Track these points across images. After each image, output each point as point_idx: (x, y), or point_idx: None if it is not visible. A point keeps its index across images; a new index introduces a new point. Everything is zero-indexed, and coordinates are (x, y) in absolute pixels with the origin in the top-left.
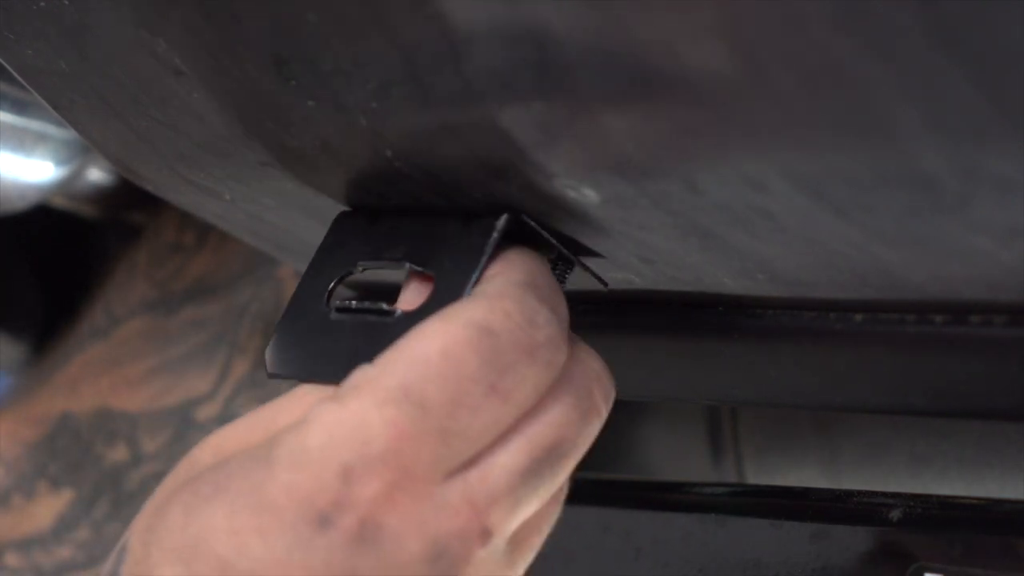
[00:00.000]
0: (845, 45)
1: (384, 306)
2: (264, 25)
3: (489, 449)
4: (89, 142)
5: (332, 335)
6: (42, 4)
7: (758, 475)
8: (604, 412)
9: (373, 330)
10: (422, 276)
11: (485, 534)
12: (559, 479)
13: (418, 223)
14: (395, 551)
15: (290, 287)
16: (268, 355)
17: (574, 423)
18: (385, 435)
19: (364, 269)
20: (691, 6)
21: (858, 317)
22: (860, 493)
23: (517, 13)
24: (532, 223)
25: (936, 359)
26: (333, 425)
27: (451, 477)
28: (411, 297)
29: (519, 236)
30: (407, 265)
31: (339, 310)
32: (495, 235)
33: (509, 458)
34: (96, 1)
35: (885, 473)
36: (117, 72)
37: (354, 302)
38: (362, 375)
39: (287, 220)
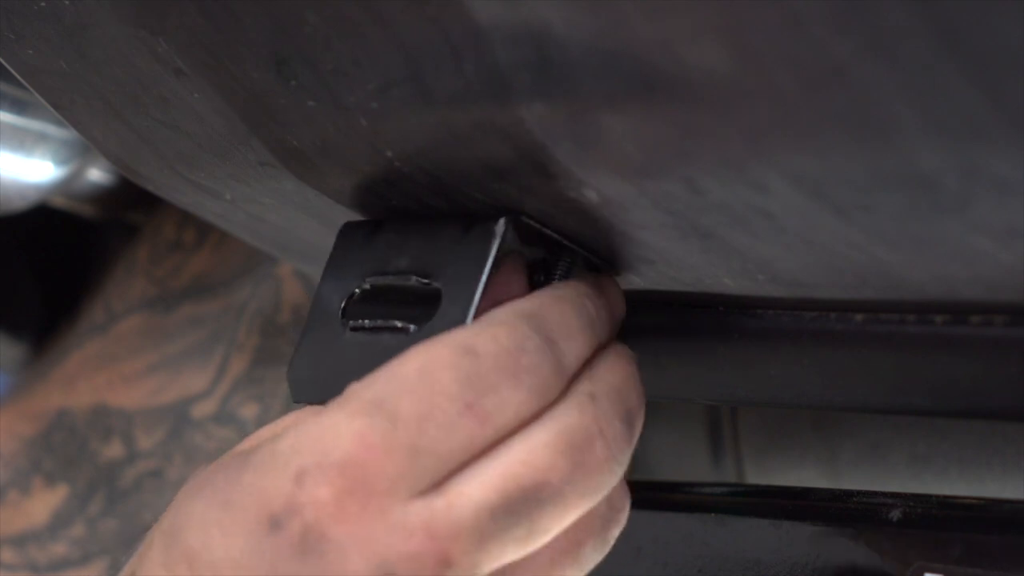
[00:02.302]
0: (845, 45)
1: (398, 324)
2: (264, 25)
3: (459, 473)
4: (89, 142)
5: (349, 355)
6: (42, 4)
7: (758, 475)
8: (609, 468)
9: (389, 348)
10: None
11: (443, 563)
12: (541, 527)
13: (420, 230)
14: (337, 564)
15: (290, 286)
16: (291, 380)
17: (560, 469)
18: (349, 445)
19: (371, 285)
20: (691, 6)
21: (858, 317)
22: (860, 493)
23: (518, 13)
24: (533, 223)
25: (936, 359)
26: (302, 432)
27: (414, 499)
28: (422, 311)
29: (523, 236)
30: (413, 279)
31: (354, 329)
32: (495, 241)
33: (478, 491)
34: (96, 1)
35: (885, 473)
36: (117, 72)
37: (367, 321)
38: (349, 389)
39: (287, 220)
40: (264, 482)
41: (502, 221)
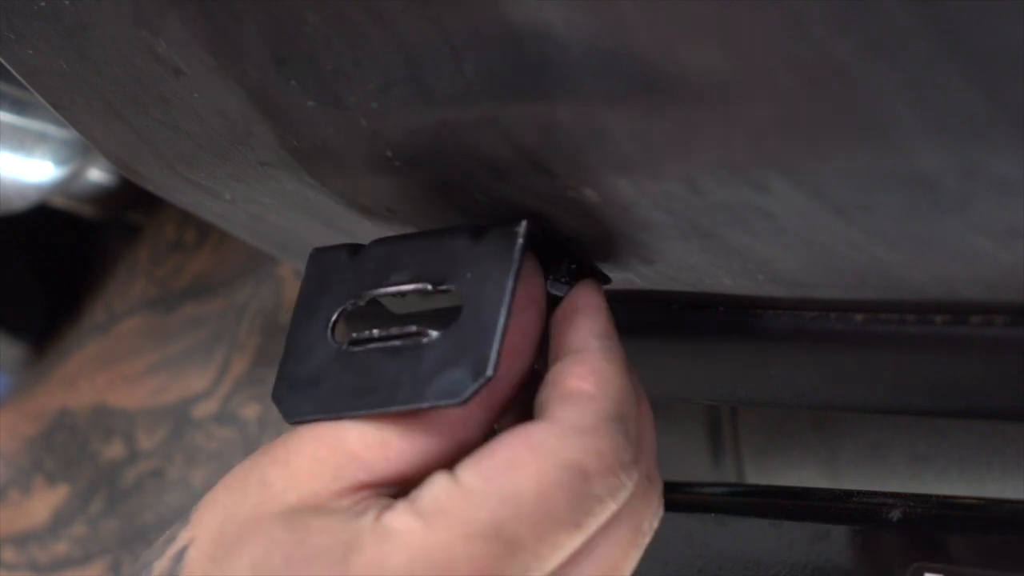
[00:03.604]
0: (845, 45)
1: (414, 329)
2: (264, 25)
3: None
4: (90, 142)
5: (357, 368)
6: (42, 4)
7: (758, 475)
8: (647, 541)
9: (406, 354)
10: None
11: None
12: None
13: (415, 246)
14: None
15: (290, 286)
16: (281, 403)
17: (628, 559)
18: (468, 570)
19: (369, 299)
20: (691, 6)
21: (858, 317)
22: (860, 493)
23: (518, 13)
24: (551, 228)
25: (936, 359)
26: (417, 551)
27: None
28: (437, 319)
29: (538, 237)
30: (423, 286)
31: (356, 343)
32: (520, 241)
33: None
34: (96, 1)
35: (885, 473)
36: (117, 72)
37: (376, 331)
38: (450, 499)
39: (287, 220)
40: None
41: (525, 223)
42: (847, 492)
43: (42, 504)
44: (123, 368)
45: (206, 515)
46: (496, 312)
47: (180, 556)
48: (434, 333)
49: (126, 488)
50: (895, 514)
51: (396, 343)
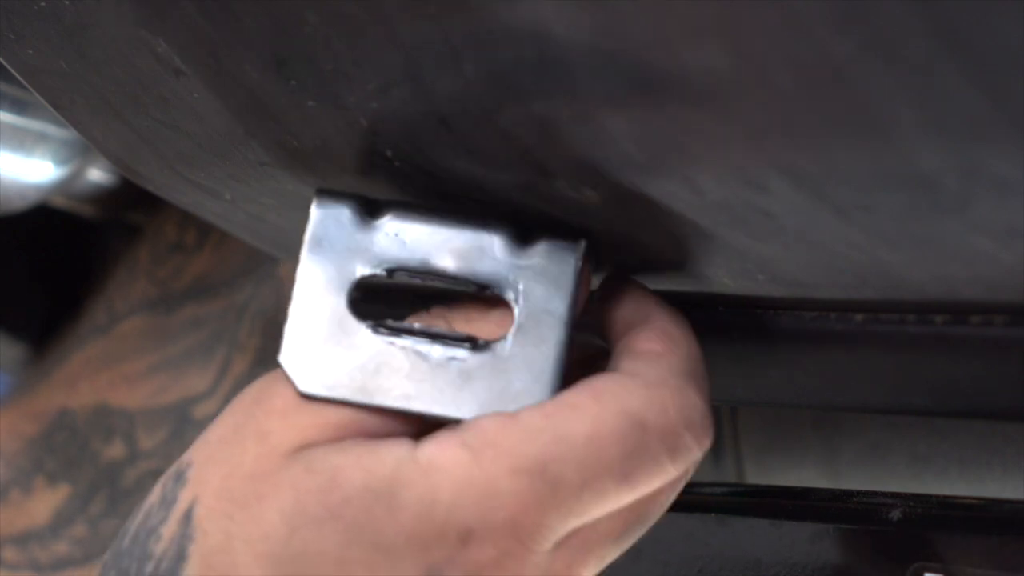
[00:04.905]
0: (845, 45)
1: (465, 335)
2: (264, 25)
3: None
4: (90, 142)
5: (384, 356)
6: (42, 4)
7: (758, 475)
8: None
9: (446, 359)
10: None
11: None
12: (638, 536)
13: (449, 232)
14: None
15: (291, 286)
16: (294, 371)
17: (671, 494)
18: (511, 505)
19: (395, 275)
20: (691, 6)
21: (858, 317)
22: (860, 493)
23: (518, 13)
24: (597, 247)
25: (936, 359)
26: (464, 484)
27: (558, 546)
28: (486, 326)
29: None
30: (464, 285)
31: (382, 327)
32: (578, 263)
33: (609, 524)
34: (96, 1)
35: (885, 473)
36: (117, 72)
37: (417, 324)
38: (501, 432)
39: (287, 220)
40: (426, 533)
41: (584, 244)
42: (847, 492)
43: (43, 504)
44: (124, 368)
45: (204, 472)
46: (550, 359)
47: (188, 517)
48: (497, 345)
49: (127, 488)
50: (895, 514)
51: (436, 342)
